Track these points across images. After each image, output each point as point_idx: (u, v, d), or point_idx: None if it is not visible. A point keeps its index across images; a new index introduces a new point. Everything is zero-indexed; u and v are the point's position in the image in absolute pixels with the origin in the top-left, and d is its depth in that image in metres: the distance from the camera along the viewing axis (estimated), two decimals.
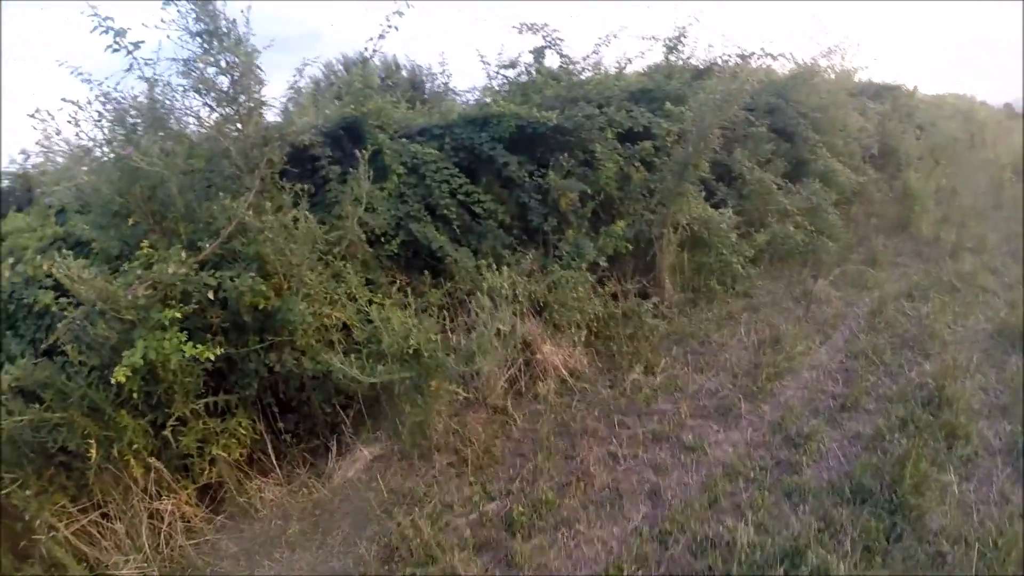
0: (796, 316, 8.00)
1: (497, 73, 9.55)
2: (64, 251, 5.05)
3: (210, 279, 5.24)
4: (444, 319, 6.20)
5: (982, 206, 13.93)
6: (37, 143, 5.67)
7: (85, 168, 5.89)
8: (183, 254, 5.17)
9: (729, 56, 11.23)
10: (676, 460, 5.46)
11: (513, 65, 9.40)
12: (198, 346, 5.00)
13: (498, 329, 5.82)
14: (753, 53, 11.19)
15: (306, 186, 6.17)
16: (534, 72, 9.21)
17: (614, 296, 7.66)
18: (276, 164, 6.11)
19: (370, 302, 6.10)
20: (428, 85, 10.65)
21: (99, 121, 5.62)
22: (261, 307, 5.55)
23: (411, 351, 5.46)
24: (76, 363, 4.98)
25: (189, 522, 5.32)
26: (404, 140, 7.58)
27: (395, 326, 5.51)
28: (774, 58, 11.65)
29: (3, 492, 4.75)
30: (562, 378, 6.67)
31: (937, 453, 5.16)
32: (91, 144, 5.84)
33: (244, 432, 5.65)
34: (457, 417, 6.15)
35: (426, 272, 6.91)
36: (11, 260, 5.27)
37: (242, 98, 5.98)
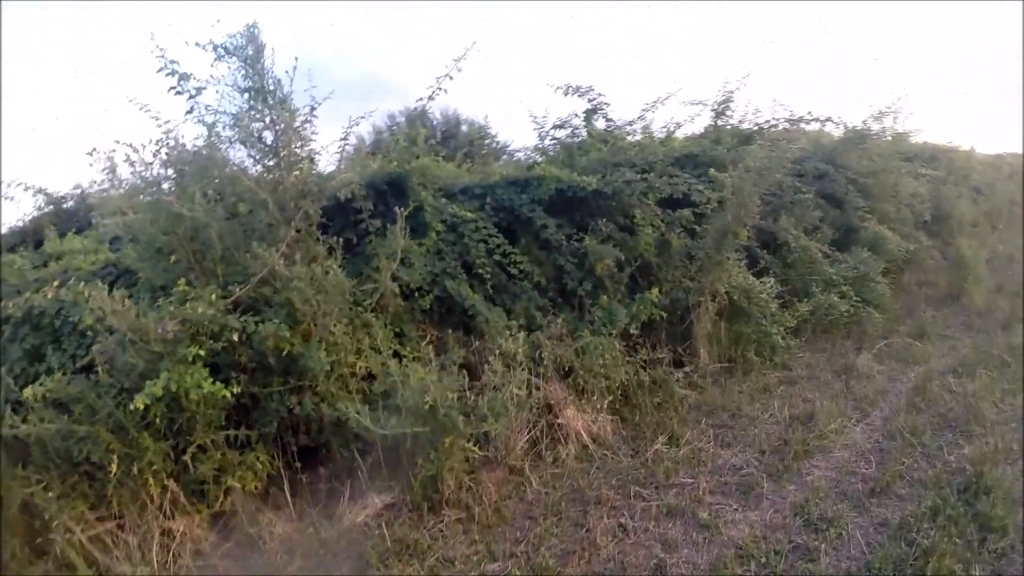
0: (834, 391, 7.76)
1: (547, 134, 9.61)
2: (106, 280, 5.72)
3: (235, 322, 5.42)
4: (466, 377, 6.14)
5: None
6: (94, 178, 5.95)
7: (133, 204, 6.12)
8: (214, 296, 5.44)
9: (777, 120, 11.15)
10: (688, 537, 5.30)
11: (563, 126, 9.44)
12: (218, 383, 5.23)
13: (513, 393, 5.76)
14: (802, 117, 11.10)
15: (341, 239, 6.28)
16: (583, 133, 9.24)
17: (645, 363, 7.52)
18: (312, 216, 6.27)
19: (395, 354, 6.19)
20: (487, 143, 10.70)
21: (151, 163, 5.97)
22: (285, 351, 5.69)
23: (427, 407, 5.43)
24: (106, 384, 5.28)
25: (199, 544, 5.51)
26: (445, 200, 7.70)
27: (413, 381, 5.50)
28: (822, 123, 11.55)
29: (28, 491, 5.11)
30: (583, 443, 6.57)
31: (968, 547, 4.90)
32: (142, 183, 6.08)
33: (261, 466, 5.83)
34: (472, 474, 6.10)
35: (450, 330, 6.97)
36: (56, 282, 5.39)
37: (283, 152, 6.18)
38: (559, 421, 6.58)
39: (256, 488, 5.80)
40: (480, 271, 7.29)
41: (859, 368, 8.30)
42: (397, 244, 6.51)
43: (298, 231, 6.18)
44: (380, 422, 5.40)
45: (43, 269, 5.94)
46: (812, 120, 11.19)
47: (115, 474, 5.08)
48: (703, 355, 8.02)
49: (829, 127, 12.04)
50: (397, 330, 6.70)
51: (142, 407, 4.82)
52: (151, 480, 5.32)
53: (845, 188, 10.95)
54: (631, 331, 7.34)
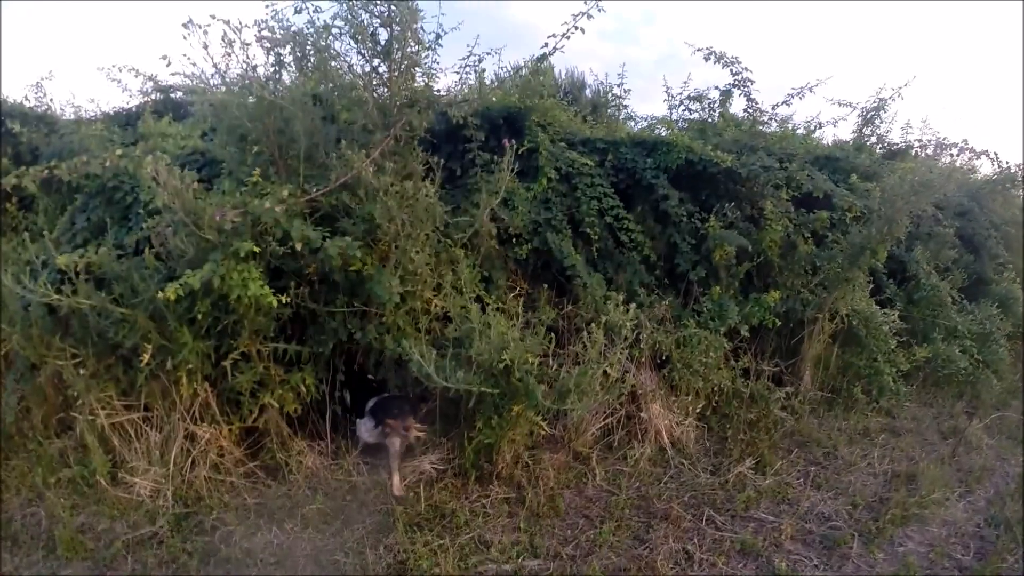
0: (940, 455, 6.89)
1: (680, 104, 8.80)
2: (191, 167, 5.45)
3: (300, 230, 4.82)
4: (552, 343, 5.48)
5: None
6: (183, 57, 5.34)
7: (223, 88, 5.50)
8: (285, 193, 4.83)
9: (928, 142, 10.23)
10: None
11: (699, 99, 8.62)
12: (267, 288, 4.68)
13: (605, 372, 5.08)
14: (955, 144, 10.14)
15: (443, 163, 5.71)
16: (717, 114, 8.45)
17: (745, 372, 6.74)
18: (416, 128, 5.62)
19: (478, 300, 5.49)
20: (610, 110, 9.87)
21: (248, 44, 5.31)
22: (355, 270, 5.12)
23: (502, 366, 4.77)
24: (152, 267, 4.99)
25: (221, 457, 5.26)
26: (564, 145, 7.00)
27: (493, 334, 4.81)
28: (977, 155, 10.54)
29: (60, 363, 5.04)
30: (662, 446, 5.84)
31: None
32: (237, 65, 5.42)
33: (305, 389, 5.37)
34: (533, 452, 5.51)
35: (545, 286, 6.31)
36: (119, 151, 5.10)
37: (397, 54, 5.47)
38: (641, 415, 5.86)
39: (296, 411, 5.37)
40: (587, 230, 6.56)
41: (968, 435, 7.44)
42: (502, 181, 5.79)
43: (397, 140, 5.56)
44: (445, 372, 4.74)
45: (128, 148, 5.38)
46: (967, 150, 10.24)
47: (147, 364, 4.69)
48: (807, 378, 7.13)
49: (982, 161, 11.00)
50: (485, 274, 6.08)
51: (173, 297, 4.37)
52: (184, 379, 4.98)
53: (987, 233, 9.85)
54: (740, 332, 6.49)
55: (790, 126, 9.38)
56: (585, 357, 5.04)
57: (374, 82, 5.59)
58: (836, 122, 10.39)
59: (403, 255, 5.22)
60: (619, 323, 5.18)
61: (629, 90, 9.46)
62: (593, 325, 5.10)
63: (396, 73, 5.55)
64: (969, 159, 10.92)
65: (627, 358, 5.72)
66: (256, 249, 4.64)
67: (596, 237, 6.58)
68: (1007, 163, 10.59)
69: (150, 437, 5.11)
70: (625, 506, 5.21)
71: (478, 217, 5.78)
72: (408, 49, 5.51)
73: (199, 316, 4.81)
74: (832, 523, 5.38)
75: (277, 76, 5.52)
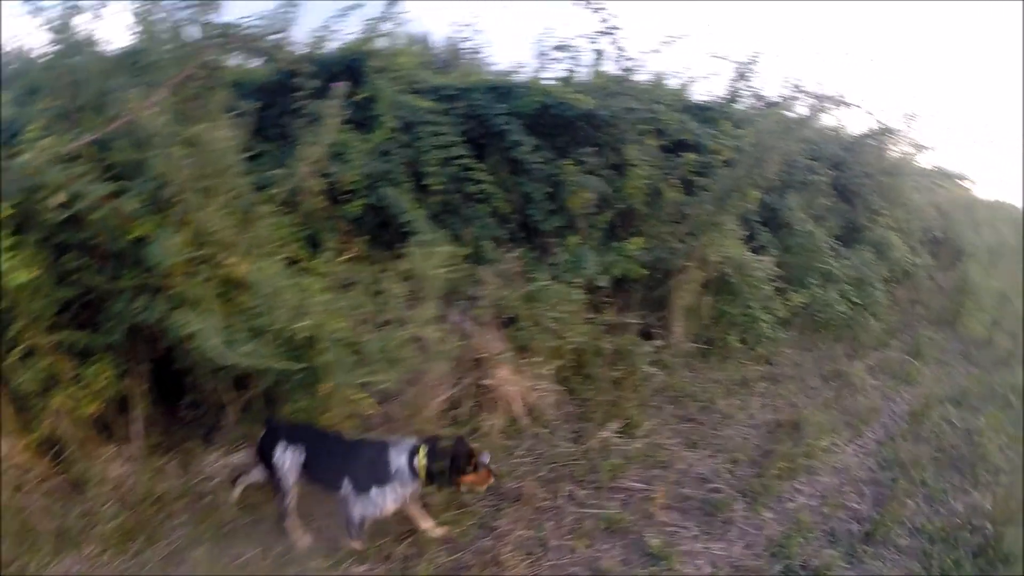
0: (823, 399, 5.95)
1: (546, 56, 7.65)
2: None
3: (55, 177, 3.67)
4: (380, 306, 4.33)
5: None
6: None
7: None
8: (47, 141, 3.70)
9: (803, 95, 9.32)
10: (627, 570, 3.59)
11: (566, 47, 7.43)
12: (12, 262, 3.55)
13: (420, 335, 3.93)
14: (831, 97, 9.21)
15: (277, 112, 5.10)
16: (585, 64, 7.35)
17: (610, 328, 5.64)
18: (217, 69, 4.64)
19: (293, 263, 4.46)
20: (464, 56, 8.59)
21: None
22: (139, 236, 3.91)
23: (302, 336, 3.73)
24: None
25: (21, 475, 3.95)
26: (411, 94, 5.87)
27: (288, 296, 3.70)
28: (849, 107, 9.63)
29: None
30: (516, 415, 4.73)
31: None
32: None
33: (103, 385, 4.10)
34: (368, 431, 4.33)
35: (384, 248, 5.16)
36: None
37: None
38: (488, 381, 4.73)
39: (96, 412, 4.14)
40: (430, 183, 5.51)
41: (851, 377, 6.49)
42: (328, 131, 4.82)
43: (194, 81, 4.45)
44: (233, 345, 3.67)
45: None
46: (842, 103, 9.31)
47: None
48: (678, 330, 6.09)
49: (858, 117, 10.15)
50: (310, 234, 5.00)
51: None
52: None
53: (861, 182, 9.10)
54: (598, 284, 5.41)
55: (664, 80, 8.28)
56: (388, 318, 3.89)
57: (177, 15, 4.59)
58: (711, 77, 9.34)
59: (194, 213, 4.05)
60: (422, 270, 4.01)
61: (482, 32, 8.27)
62: (390, 275, 3.91)
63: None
64: (845, 113, 10.11)
65: (470, 319, 4.56)
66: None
67: (439, 188, 5.56)
68: (881, 119, 9.80)
69: None
70: None
71: (295, 170, 4.76)
72: None
73: None
74: (711, 485, 4.46)
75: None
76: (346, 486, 3.54)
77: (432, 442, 3.58)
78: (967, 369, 7.91)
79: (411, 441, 3.60)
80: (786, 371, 6.35)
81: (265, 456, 3.70)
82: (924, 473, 4.96)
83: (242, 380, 4.35)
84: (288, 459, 3.62)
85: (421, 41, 8.09)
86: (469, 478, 3.58)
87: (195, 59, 4.48)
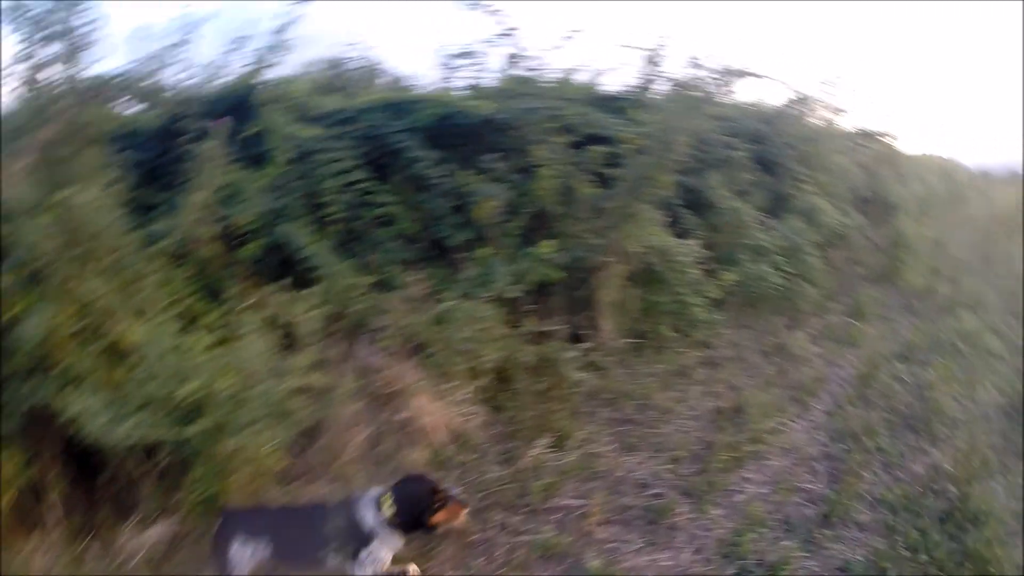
0: (766, 376, 5.65)
1: (453, 66, 7.27)
2: None
3: None
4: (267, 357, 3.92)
5: (971, 260, 11.59)
6: None
7: None
8: None
9: (714, 72, 9.07)
10: None
11: (468, 55, 7.06)
12: None
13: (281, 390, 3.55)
14: (743, 72, 8.96)
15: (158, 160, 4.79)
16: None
17: (533, 337, 5.24)
18: (88, 124, 4.22)
19: (194, 318, 4.08)
20: (358, 74, 8.22)
21: None
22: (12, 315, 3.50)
23: (191, 400, 3.32)
24: None
25: None
26: (302, 124, 5.54)
27: (172, 359, 3.32)
28: (761, 78, 9.40)
29: None
30: (439, 445, 4.33)
31: None
32: None
33: (13, 474, 3.61)
34: (288, 487, 3.90)
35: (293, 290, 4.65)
36: None
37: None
38: (405, 415, 4.33)
39: (10, 503, 3.64)
40: (331, 212, 5.17)
41: (792, 349, 6.22)
42: (213, 171, 4.54)
43: (60, 142, 4.01)
44: (122, 420, 3.31)
45: None
46: (746, 75, 9.06)
47: None
48: (607, 328, 5.73)
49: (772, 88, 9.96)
50: (207, 285, 4.56)
51: None
52: None
53: (783, 153, 8.91)
54: (510, 296, 5.03)
55: (572, 75, 7.95)
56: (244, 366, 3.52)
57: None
58: (621, 66, 9.04)
59: (73, 283, 3.62)
60: (284, 316, 3.65)
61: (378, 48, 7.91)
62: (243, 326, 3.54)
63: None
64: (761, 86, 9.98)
65: (375, 351, 4.20)
66: None
67: (340, 218, 5.22)
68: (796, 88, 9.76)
69: None
70: None
71: (183, 219, 4.44)
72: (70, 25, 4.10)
73: None
74: (653, 490, 4.11)
75: None
76: (332, 559, 3.10)
77: (396, 487, 3.17)
78: (910, 321, 7.76)
79: (376, 490, 3.18)
80: (725, 353, 6.05)
81: (220, 552, 3.24)
82: (878, 439, 4.72)
83: (153, 449, 3.89)
84: (246, 557, 3.15)
85: (316, 65, 7.74)
86: (439, 517, 3.15)
87: (59, 117, 4.08)
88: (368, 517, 3.07)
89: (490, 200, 5.30)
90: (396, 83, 7.94)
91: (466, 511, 3.29)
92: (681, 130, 5.77)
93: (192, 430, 3.46)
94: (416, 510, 3.07)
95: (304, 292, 4.61)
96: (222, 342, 3.86)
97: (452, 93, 6.23)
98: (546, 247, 5.18)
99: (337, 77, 7.90)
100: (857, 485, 4.07)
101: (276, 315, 4.27)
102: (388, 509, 3.05)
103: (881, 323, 7.53)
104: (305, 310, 4.24)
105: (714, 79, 7.37)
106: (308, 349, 4.04)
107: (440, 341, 4.58)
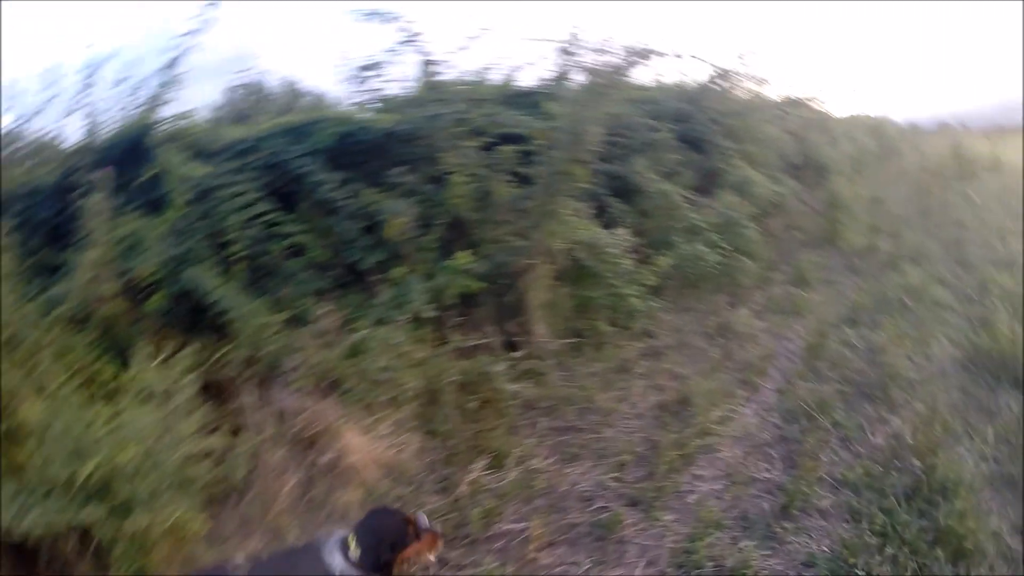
0: (711, 361, 5.36)
1: (355, 78, 6.85)
2: None
3: None
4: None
5: (909, 214, 11.47)
6: None
7: None
8: None
9: (628, 56, 8.79)
10: None
11: (373, 67, 6.65)
12: None
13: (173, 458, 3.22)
14: (651, 52, 8.68)
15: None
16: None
17: (463, 352, 4.88)
18: None
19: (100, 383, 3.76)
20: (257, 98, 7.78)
21: None
22: None
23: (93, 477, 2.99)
24: None
25: None
26: (199, 162, 5.11)
27: (68, 438, 3.05)
28: (680, 57, 9.15)
29: None
30: (370, 483, 3.95)
31: None
32: None
33: None
34: (222, 547, 3.47)
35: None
36: None
37: None
38: (332, 456, 3.96)
39: None
40: (238, 250, 4.77)
41: (736, 327, 5.95)
42: (102, 224, 4.26)
43: None
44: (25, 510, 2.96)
45: None
46: (664, 55, 8.79)
47: None
48: (541, 332, 5.39)
49: (693, 66, 9.72)
50: (114, 345, 4.17)
51: None
52: None
53: (707, 129, 8.70)
54: (426, 316, 4.67)
55: (486, 75, 7.60)
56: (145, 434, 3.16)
57: None
58: (535, 61, 8.69)
59: None
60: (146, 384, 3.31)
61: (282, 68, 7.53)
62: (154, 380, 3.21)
63: None
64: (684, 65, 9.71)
65: (290, 394, 3.84)
66: None
67: (247, 254, 4.83)
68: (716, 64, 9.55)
69: None
70: None
71: (78, 279, 4.16)
72: None
73: None
74: (597, 502, 3.77)
75: None
76: None
77: (361, 525, 2.79)
78: (854, 282, 7.63)
79: (340, 532, 2.81)
80: (667, 341, 5.77)
81: None
82: (834, 413, 4.47)
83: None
84: None
85: (219, 93, 7.36)
86: (412, 550, 2.81)
87: None
88: (335, 562, 2.71)
89: (399, 217, 4.95)
90: (298, 103, 7.56)
91: (440, 543, 2.99)
92: (591, 119, 5.48)
93: (97, 512, 3.12)
94: (388, 545, 2.73)
95: (216, 342, 4.33)
96: (126, 409, 3.49)
97: (354, 109, 5.87)
98: (463, 258, 4.87)
99: (241, 103, 7.49)
100: (816, 468, 3.80)
101: (182, 371, 3.91)
102: (355, 549, 2.69)
103: (825, 288, 7.34)
104: (209, 363, 3.90)
105: (625, 62, 7.10)
106: (217, 404, 3.74)
107: (356, 374, 4.22)
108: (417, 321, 4.60)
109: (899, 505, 3.37)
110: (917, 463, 3.68)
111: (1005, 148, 19.77)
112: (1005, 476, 3.65)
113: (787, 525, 3.37)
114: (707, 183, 8.11)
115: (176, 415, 3.52)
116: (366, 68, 6.53)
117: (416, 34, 6.24)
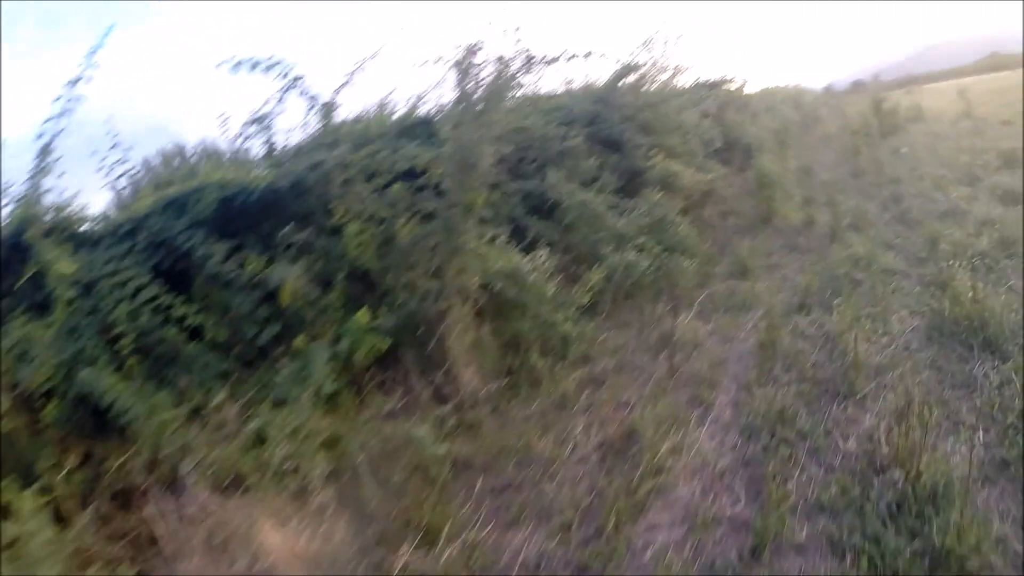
0: (657, 380, 4.88)
1: (241, 135, 6.29)
2: None
3: None
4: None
5: (841, 179, 11.17)
6: None
7: None
8: None
9: (527, 64, 8.33)
10: None
11: (261, 120, 6.09)
12: None
13: None
14: (557, 57, 8.19)
15: None
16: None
17: (385, 416, 4.31)
18: None
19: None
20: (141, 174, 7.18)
21: None
22: None
23: None
24: None
25: None
26: (82, 252, 4.74)
27: None
28: (587, 57, 8.70)
29: None
30: None
31: None
32: None
33: None
34: None
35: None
36: None
37: None
38: (248, 560, 3.42)
39: None
40: (126, 343, 4.29)
41: (681, 336, 5.45)
42: None
43: None
44: None
45: None
46: (572, 56, 8.32)
47: None
48: (469, 377, 4.84)
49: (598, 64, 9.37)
50: (14, 467, 3.74)
51: None
52: None
53: (621, 127, 8.31)
54: (327, 390, 4.10)
55: (384, 110, 7.07)
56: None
57: None
58: (434, 87, 8.18)
59: None
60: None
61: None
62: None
63: None
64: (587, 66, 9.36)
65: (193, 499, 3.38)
66: None
67: (138, 346, 4.38)
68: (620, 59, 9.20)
69: None
70: None
71: None
72: None
73: None
74: (543, 570, 3.26)
75: None
76: None
77: None
78: (799, 262, 7.17)
79: None
80: (607, 365, 5.29)
81: None
82: (798, 421, 4.04)
83: None
84: None
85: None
86: None
87: None
88: None
89: (290, 280, 4.40)
90: (179, 171, 6.96)
91: None
92: (483, 139, 5.03)
93: None
94: None
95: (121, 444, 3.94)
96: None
97: (233, 168, 5.35)
98: (362, 316, 4.35)
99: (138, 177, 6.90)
100: (785, 495, 3.35)
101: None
102: None
103: (769, 274, 6.97)
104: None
105: (520, 71, 6.61)
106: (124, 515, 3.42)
107: (259, 467, 3.66)
108: (324, 394, 4.06)
109: (885, 527, 2.92)
110: (898, 472, 3.22)
111: (922, 96, 19.90)
112: (997, 461, 3.32)
113: (762, 568, 2.89)
114: (630, 184, 7.76)
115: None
116: (251, 122, 6.03)
117: (298, 78, 5.75)
